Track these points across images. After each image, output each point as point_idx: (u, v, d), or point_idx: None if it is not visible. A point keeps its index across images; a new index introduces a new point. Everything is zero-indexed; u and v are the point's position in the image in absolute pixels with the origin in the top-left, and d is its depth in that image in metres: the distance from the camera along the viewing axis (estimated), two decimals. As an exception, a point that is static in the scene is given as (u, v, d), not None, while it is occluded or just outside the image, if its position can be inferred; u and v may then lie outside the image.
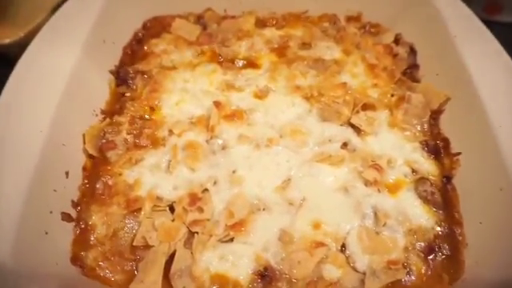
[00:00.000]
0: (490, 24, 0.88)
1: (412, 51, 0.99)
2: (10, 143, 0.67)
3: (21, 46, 1.04)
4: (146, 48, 1.01)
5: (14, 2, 1.22)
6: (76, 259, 0.69)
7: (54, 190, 0.70)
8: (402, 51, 0.99)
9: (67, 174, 0.74)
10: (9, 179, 0.64)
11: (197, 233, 0.70)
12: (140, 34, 1.03)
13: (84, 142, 0.80)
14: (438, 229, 0.74)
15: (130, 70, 0.94)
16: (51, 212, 0.69)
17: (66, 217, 0.71)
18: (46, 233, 0.66)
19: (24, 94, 0.73)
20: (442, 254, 0.71)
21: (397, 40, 1.02)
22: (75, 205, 0.74)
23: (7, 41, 1.06)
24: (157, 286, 0.65)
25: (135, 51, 1.00)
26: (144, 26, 1.05)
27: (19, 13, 1.21)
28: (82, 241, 0.71)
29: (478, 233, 0.71)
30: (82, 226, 0.72)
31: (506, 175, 0.68)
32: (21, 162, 0.66)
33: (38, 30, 1.04)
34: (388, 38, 1.02)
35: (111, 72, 0.93)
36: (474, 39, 0.86)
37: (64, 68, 0.79)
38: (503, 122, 0.73)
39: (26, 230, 0.61)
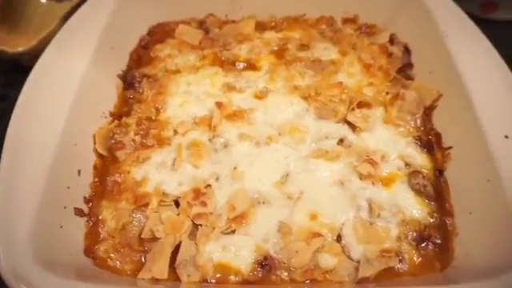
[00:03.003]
0: (485, 22, 0.91)
1: (406, 50, 1.03)
2: (27, 142, 0.73)
3: (33, 54, 1.11)
4: (151, 53, 1.06)
5: (25, 13, 1.28)
6: (88, 251, 0.74)
7: (68, 187, 0.76)
8: (396, 51, 1.03)
9: (79, 172, 0.79)
10: (27, 176, 0.69)
11: (200, 225, 0.75)
12: (145, 40, 1.08)
13: (94, 143, 0.85)
14: (430, 219, 0.77)
15: (137, 74, 0.99)
16: (65, 207, 0.74)
17: (79, 212, 0.76)
18: (61, 226, 0.71)
19: (39, 97, 0.79)
20: (433, 243, 0.74)
21: (392, 40, 1.06)
22: (87, 201, 0.79)
23: (20, 49, 1.12)
24: (164, 275, 0.70)
25: (141, 56, 1.06)
26: (149, 33, 1.10)
27: (31, 22, 1.28)
28: (93, 234, 0.76)
29: (467, 222, 0.74)
30: (94, 221, 0.77)
31: (492, 167, 0.71)
32: (37, 160, 0.71)
33: (49, 38, 1.09)
34: (383, 38, 1.06)
35: (119, 76, 0.99)
36: (464, 38, 0.89)
37: (76, 73, 0.84)
38: (491, 116, 0.76)
39: (43, 223, 0.66)
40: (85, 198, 0.79)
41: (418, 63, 0.99)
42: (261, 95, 0.95)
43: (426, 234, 0.75)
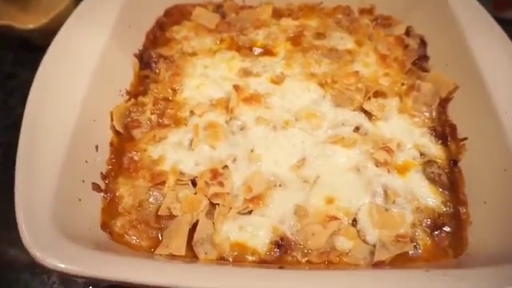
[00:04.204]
0: (499, 21, 0.91)
1: (422, 43, 1.03)
2: (47, 117, 0.72)
3: (43, 32, 1.11)
4: (167, 34, 1.05)
5: (36, -10, 1.27)
6: (105, 226, 0.74)
7: (86, 162, 0.75)
8: (412, 42, 1.03)
9: (97, 147, 0.79)
10: (47, 148, 0.69)
11: (218, 204, 0.75)
12: (162, 21, 1.08)
13: (111, 120, 0.85)
14: (444, 208, 0.78)
15: (153, 54, 0.99)
16: (83, 181, 0.74)
17: (96, 187, 0.76)
18: (80, 200, 0.71)
19: (58, 71, 0.78)
20: (447, 231, 0.76)
21: (408, 32, 1.06)
22: (104, 177, 0.79)
23: (31, 26, 1.11)
24: (181, 252, 0.70)
25: (157, 37, 1.05)
26: (166, 14, 1.10)
27: (41, 0, 1.27)
28: (110, 210, 0.76)
29: (482, 212, 0.75)
30: (110, 196, 0.77)
31: (509, 157, 0.72)
32: (57, 134, 0.71)
33: (61, 16, 1.09)
34: (399, 30, 1.06)
35: (135, 56, 0.98)
36: (481, 31, 0.89)
37: (95, 49, 0.83)
38: (508, 109, 0.77)
39: (63, 195, 0.66)
40: (102, 173, 0.79)
41: (434, 55, 1.00)
42: (277, 80, 0.95)
43: (439, 221, 0.76)
